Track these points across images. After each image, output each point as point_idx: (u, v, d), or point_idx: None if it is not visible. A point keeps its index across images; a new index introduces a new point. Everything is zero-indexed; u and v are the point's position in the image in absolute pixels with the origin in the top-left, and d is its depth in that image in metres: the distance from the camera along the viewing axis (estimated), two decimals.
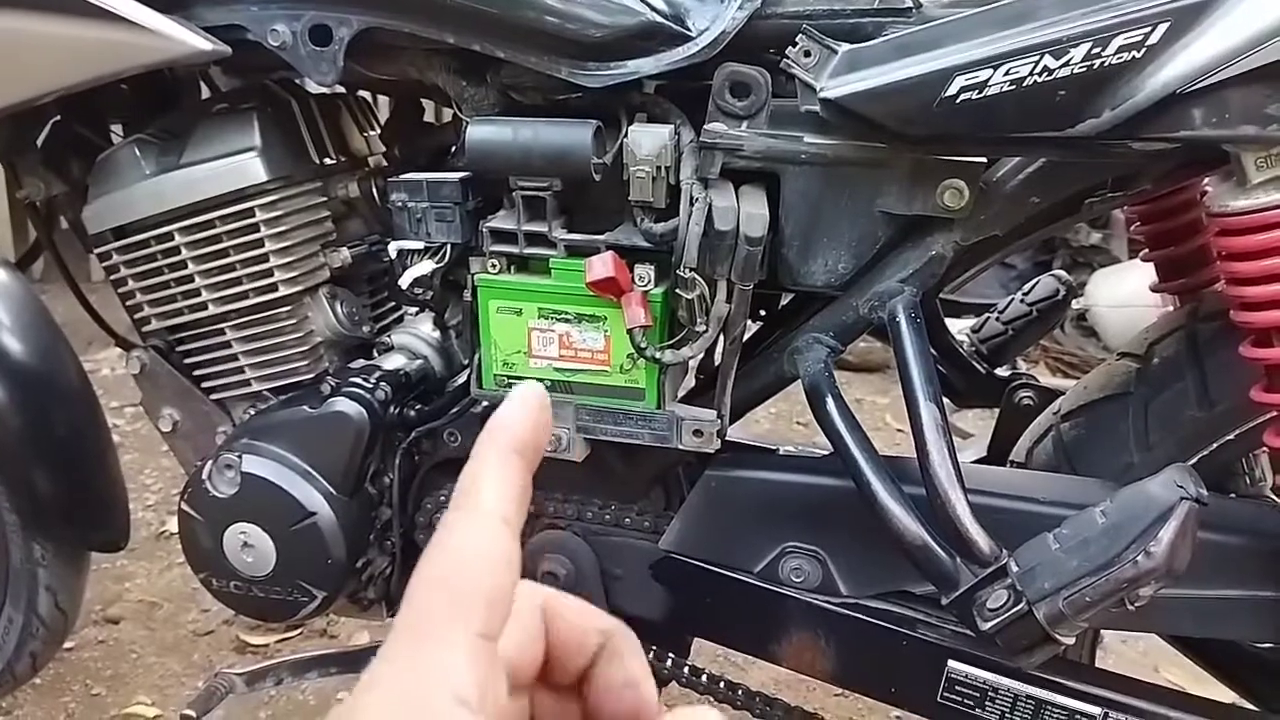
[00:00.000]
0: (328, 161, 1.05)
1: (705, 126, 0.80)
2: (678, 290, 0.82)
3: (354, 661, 1.06)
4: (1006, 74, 0.67)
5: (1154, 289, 1.03)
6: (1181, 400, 0.87)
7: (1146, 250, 1.02)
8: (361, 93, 1.16)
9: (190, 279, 1.01)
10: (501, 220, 0.87)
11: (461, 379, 1.00)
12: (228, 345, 1.05)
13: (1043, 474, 0.95)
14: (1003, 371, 1.19)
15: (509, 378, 0.91)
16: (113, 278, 1.05)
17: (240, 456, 0.99)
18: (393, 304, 1.19)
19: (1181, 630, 0.97)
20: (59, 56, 0.89)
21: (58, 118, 1.06)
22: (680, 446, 0.88)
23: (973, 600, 0.75)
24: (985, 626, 0.74)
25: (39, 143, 1.07)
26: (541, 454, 0.28)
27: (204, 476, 1.01)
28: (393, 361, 1.08)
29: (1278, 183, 0.69)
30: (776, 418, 2.55)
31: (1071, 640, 0.73)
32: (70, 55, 0.88)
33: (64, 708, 1.56)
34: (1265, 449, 0.80)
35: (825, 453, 0.90)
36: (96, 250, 1.04)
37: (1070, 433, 0.94)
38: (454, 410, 1.01)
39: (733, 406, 0.90)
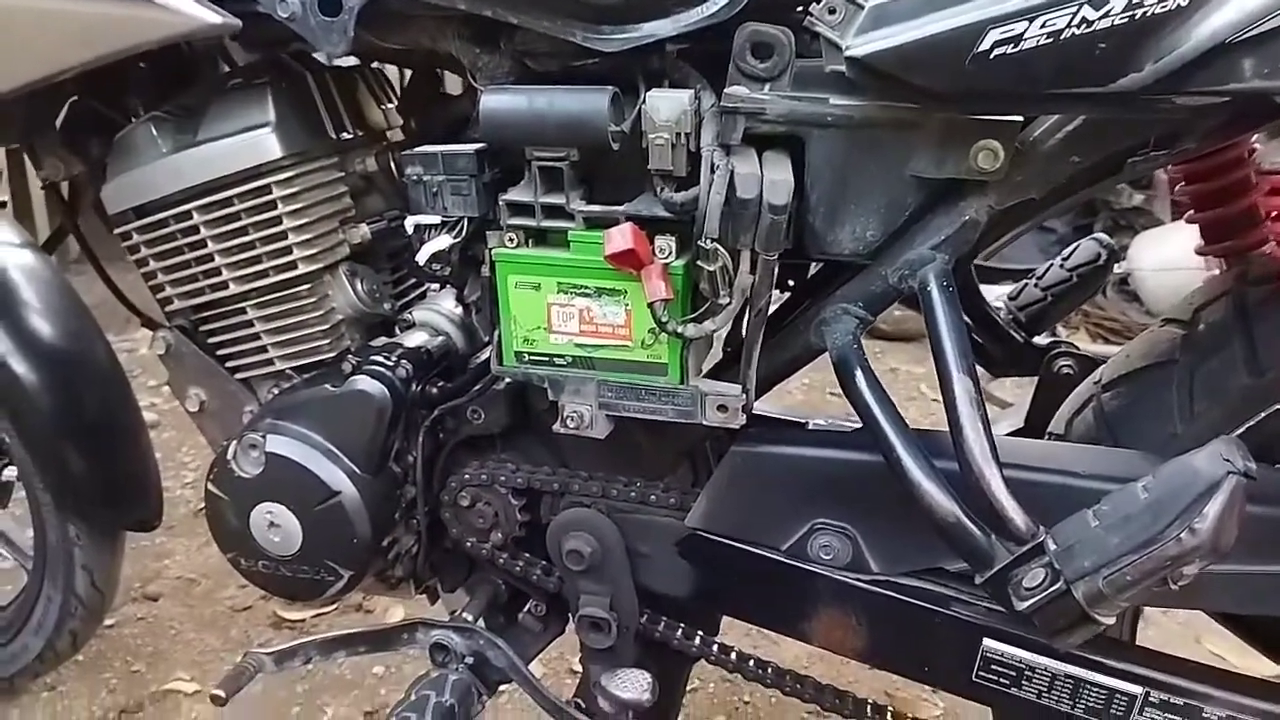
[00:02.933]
0: (345, 136, 1.04)
1: (726, 90, 0.77)
2: (699, 262, 0.79)
3: (382, 640, 1.05)
4: (1043, 26, 0.64)
5: (1199, 252, 0.99)
6: (1229, 367, 0.83)
7: (1191, 212, 0.98)
8: (380, 64, 1.14)
9: (210, 258, 1.01)
10: (518, 193, 0.85)
11: (484, 355, 0.99)
12: (250, 324, 1.05)
13: (1082, 446, 0.91)
14: (1041, 339, 1.15)
15: (530, 354, 0.89)
16: (134, 257, 1.05)
17: (264, 436, 0.99)
18: (414, 280, 1.17)
19: (1226, 607, 0.94)
20: (73, 33, 0.88)
21: (75, 97, 1.06)
22: (704, 422, 0.86)
23: (1008, 579, 0.73)
24: (1021, 606, 0.72)
25: (58, 123, 1.07)
26: None
27: (229, 456, 1.01)
28: (414, 339, 1.07)
29: None
30: (809, 388, 2.52)
31: (1111, 620, 0.71)
32: (83, 32, 0.88)
33: (105, 684, 1.59)
34: None
35: (856, 426, 0.88)
36: (117, 230, 1.04)
37: (1111, 403, 0.91)
38: (477, 387, 0.99)
39: (759, 380, 0.88)
